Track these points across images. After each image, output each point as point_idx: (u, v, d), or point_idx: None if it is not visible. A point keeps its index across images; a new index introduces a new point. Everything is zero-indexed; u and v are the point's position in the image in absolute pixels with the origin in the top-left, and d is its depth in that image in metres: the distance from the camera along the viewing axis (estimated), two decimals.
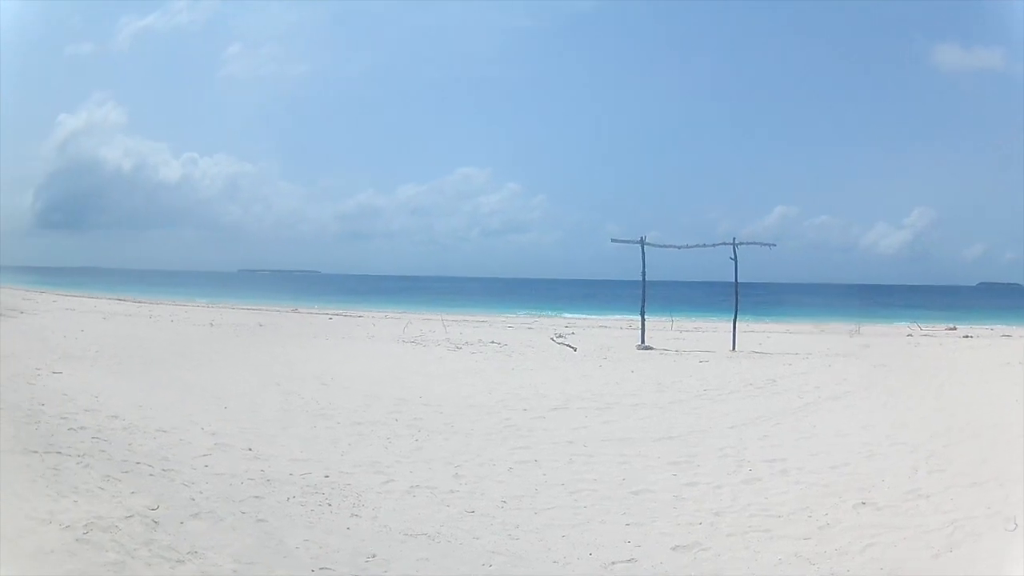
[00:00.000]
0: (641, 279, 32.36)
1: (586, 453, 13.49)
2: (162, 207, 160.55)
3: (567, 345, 30.09)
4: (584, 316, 54.69)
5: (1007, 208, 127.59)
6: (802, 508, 10.22)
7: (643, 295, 32.22)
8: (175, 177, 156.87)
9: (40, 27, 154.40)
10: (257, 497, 10.86)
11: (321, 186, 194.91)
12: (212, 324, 39.69)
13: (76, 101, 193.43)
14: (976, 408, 16.61)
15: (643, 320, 31.93)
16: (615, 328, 39.96)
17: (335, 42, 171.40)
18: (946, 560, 8.59)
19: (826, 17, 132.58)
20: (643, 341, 30.62)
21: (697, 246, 32.16)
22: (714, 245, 31.89)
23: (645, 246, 32.05)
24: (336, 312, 54.09)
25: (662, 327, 36.67)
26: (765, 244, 32.31)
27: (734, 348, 29.17)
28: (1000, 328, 43.45)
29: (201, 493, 10.82)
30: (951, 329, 41.79)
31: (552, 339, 32.66)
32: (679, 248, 32.43)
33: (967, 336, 37.17)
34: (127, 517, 9.31)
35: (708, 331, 38.33)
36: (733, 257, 31.19)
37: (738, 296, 31.64)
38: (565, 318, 52.17)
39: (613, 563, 8.74)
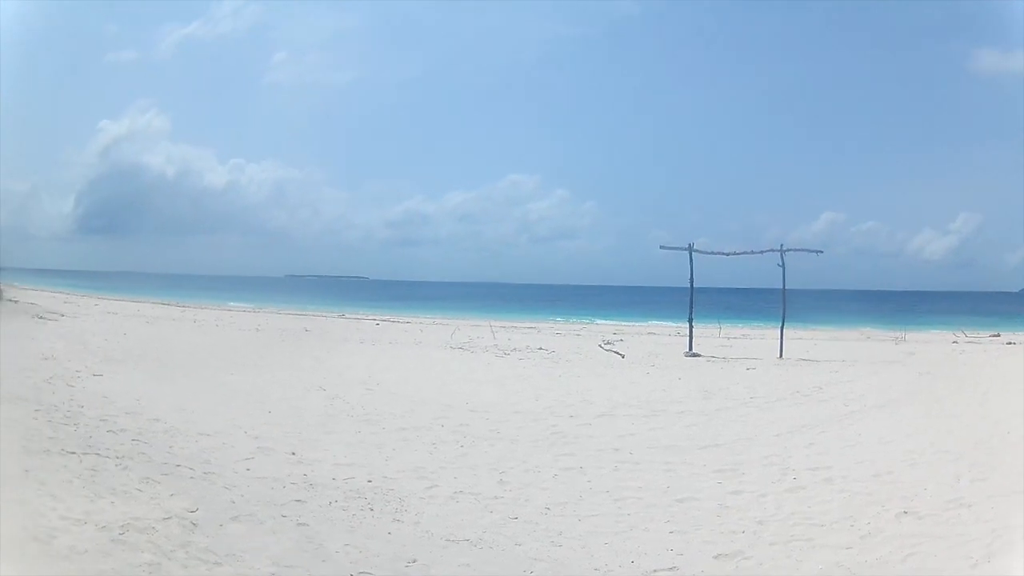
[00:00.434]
0: (689, 286, 32.32)
1: (632, 460, 13.45)
2: (207, 212, 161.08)
3: (615, 352, 30.04)
4: (632, 323, 54.42)
5: None
6: (845, 517, 10.14)
7: (691, 302, 32.33)
8: (221, 183, 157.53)
9: (79, 36, 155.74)
10: (299, 501, 10.89)
11: (368, 192, 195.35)
12: (257, 329, 39.72)
13: (118, 108, 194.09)
14: (1020, 416, 16.38)
15: (691, 327, 31.99)
16: (663, 335, 39.93)
17: (380, 50, 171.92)
18: (984, 570, 8.51)
19: (871, 22, 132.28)
20: (691, 348, 30.44)
21: (745, 253, 32.28)
22: (762, 252, 31.84)
23: (693, 253, 32.05)
24: (383, 318, 54.09)
25: (710, 334, 36.56)
26: (812, 251, 32.36)
27: (781, 355, 28.94)
28: None
29: (242, 496, 10.86)
30: (995, 336, 41.46)
31: (600, 346, 32.67)
32: (727, 255, 32.54)
33: (1011, 343, 36.88)
34: (165, 519, 9.39)
35: (755, 338, 38.16)
36: (781, 264, 31.04)
37: (785, 303, 31.51)
38: (613, 325, 51.86)
39: (655, 571, 8.68)
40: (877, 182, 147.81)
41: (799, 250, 31.85)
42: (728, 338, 37.82)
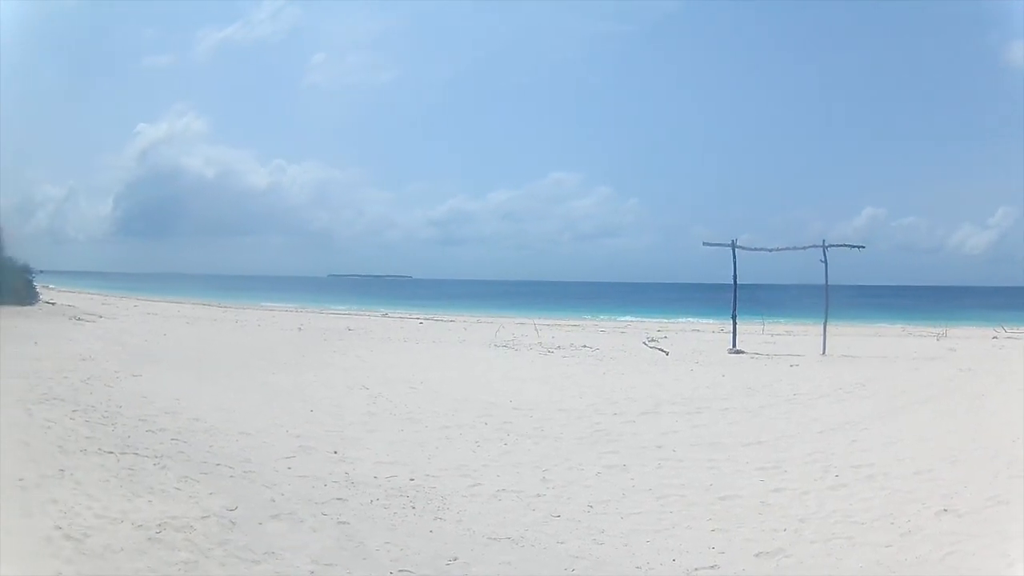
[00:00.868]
0: (733, 282, 32.35)
1: (675, 458, 13.43)
2: (249, 214, 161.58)
3: (659, 349, 30.14)
4: (676, 320, 54.49)
5: None
6: (885, 515, 10.11)
7: (734, 298, 32.26)
8: (262, 184, 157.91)
9: (115, 41, 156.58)
10: (340, 499, 10.93)
11: (411, 191, 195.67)
12: (300, 328, 39.83)
13: (155, 112, 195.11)
14: None
15: (735, 323, 31.94)
16: (707, 332, 40.04)
17: (420, 49, 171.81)
18: (1021, 568, 8.47)
19: (911, 16, 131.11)
20: (734, 345, 30.61)
21: (788, 249, 32.07)
22: (804, 248, 31.73)
23: (736, 249, 32.05)
24: (427, 316, 54.25)
25: (753, 330, 36.53)
26: (854, 246, 32.04)
27: (824, 352, 28.86)
28: None
29: (282, 495, 10.92)
30: None
31: (644, 343, 32.73)
32: (770, 251, 32.33)
33: None
34: (203, 517, 9.50)
35: (798, 334, 38.15)
36: (823, 260, 30.95)
37: (828, 299, 31.44)
38: (657, 322, 51.85)
39: (696, 569, 8.67)
40: (917, 177, 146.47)
41: (841, 246, 31.71)
42: (771, 335, 38.01)
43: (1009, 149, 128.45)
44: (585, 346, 31.92)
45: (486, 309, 67.23)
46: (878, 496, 10.90)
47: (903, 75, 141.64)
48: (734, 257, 32.06)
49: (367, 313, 58.99)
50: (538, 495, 11.46)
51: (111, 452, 12.43)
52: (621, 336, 38.19)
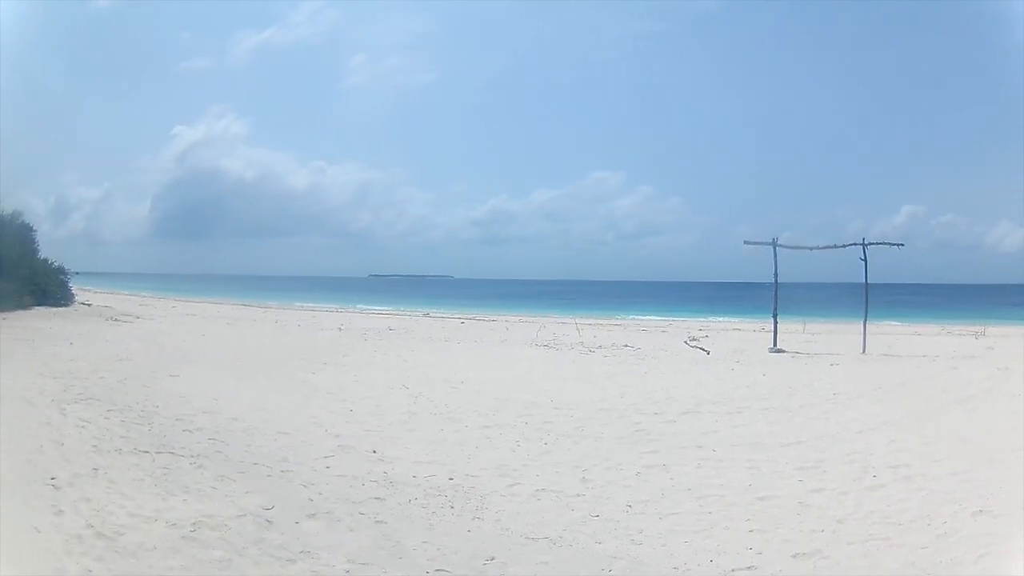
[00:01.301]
0: (773, 281, 32.29)
1: (715, 458, 13.42)
2: (289, 215, 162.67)
3: (700, 348, 30.16)
4: (718, 319, 54.39)
5: None
6: (922, 516, 10.09)
7: (775, 297, 32.26)
8: (303, 185, 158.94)
9: (151, 45, 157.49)
10: (378, 499, 10.98)
11: (453, 192, 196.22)
12: (340, 328, 39.87)
13: (193, 114, 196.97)
14: None
15: (775, 322, 31.86)
16: (748, 331, 39.98)
17: (459, 50, 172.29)
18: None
19: (950, 15, 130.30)
20: (775, 344, 30.56)
21: (828, 247, 32.02)
22: (844, 246, 31.70)
23: (777, 248, 31.98)
24: (469, 316, 54.37)
25: (794, 329, 36.42)
26: (894, 244, 32.01)
27: (864, 351, 28.83)
28: None
29: (320, 494, 11.00)
30: None
31: (686, 342, 32.77)
32: (810, 249, 32.25)
33: None
34: (239, 516, 9.60)
35: (839, 333, 37.84)
36: (863, 258, 30.93)
37: (868, 298, 31.33)
38: (699, 321, 51.75)
39: (733, 570, 8.67)
40: (955, 174, 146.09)
41: (881, 244, 31.69)
42: (812, 333, 37.81)
43: None
44: (627, 345, 31.93)
45: (528, 309, 67.53)
46: (915, 497, 10.86)
47: (942, 73, 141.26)
48: (775, 256, 31.98)
49: (408, 313, 59.19)
50: (577, 495, 11.44)
51: (146, 451, 12.60)
52: (663, 335, 38.23)
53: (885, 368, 24.41)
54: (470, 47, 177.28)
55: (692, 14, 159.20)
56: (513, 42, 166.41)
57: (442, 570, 8.48)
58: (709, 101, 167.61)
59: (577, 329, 39.12)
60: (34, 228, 45.96)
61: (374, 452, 13.68)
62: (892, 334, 36.55)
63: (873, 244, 31.27)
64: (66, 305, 43.36)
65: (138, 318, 42.05)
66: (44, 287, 42.44)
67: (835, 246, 31.96)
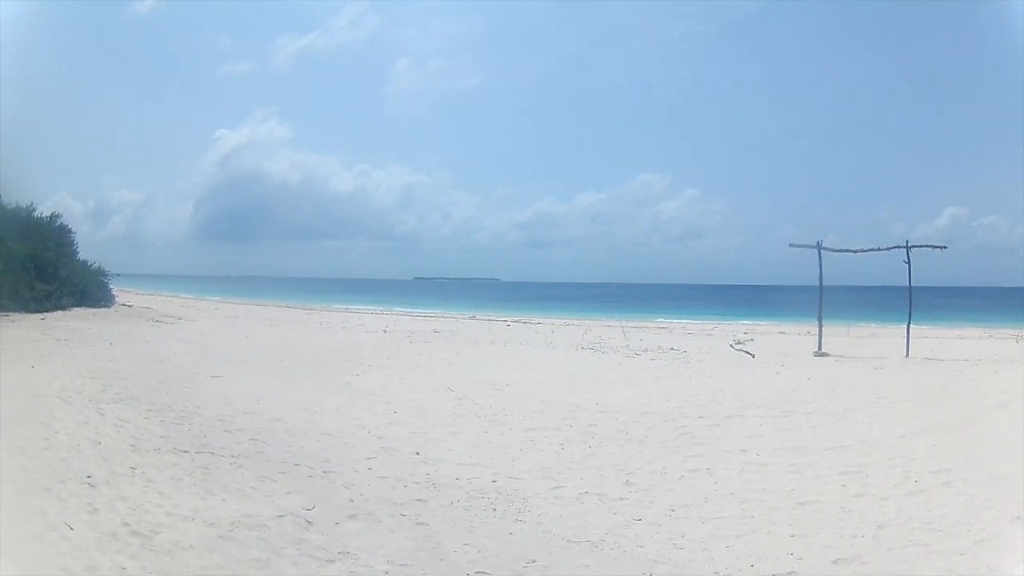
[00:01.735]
0: (818, 284, 32.24)
1: (758, 462, 13.45)
2: (334, 218, 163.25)
3: (746, 351, 30.23)
4: (763, 322, 54.07)
5: None
6: (962, 522, 10.06)
7: (820, 300, 32.35)
8: (347, 188, 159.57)
9: (191, 50, 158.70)
10: (420, 500, 11.07)
11: (498, 195, 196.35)
12: (385, 331, 39.96)
13: (235, 118, 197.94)
14: None
15: (820, 326, 31.89)
16: (793, 334, 39.86)
17: (502, 53, 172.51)
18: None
19: (995, 13, 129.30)
20: (820, 347, 30.42)
21: (872, 250, 31.98)
22: (887, 248, 31.57)
23: (822, 250, 31.93)
24: (515, 319, 54.20)
25: (838, 333, 36.17)
26: (936, 247, 31.86)
27: (907, 354, 28.73)
28: None
29: (361, 495, 11.08)
30: None
31: (731, 345, 32.88)
32: (855, 252, 32.23)
33: None
34: (278, 516, 9.72)
35: (882, 336, 37.67)
36: (907, 261, 30.84)
37: (912, 301, 31.21)
38: (744, 324, 51.64)
39: (773, 575, 8.67)
40: (998, 175, 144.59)
41: (923, 246, 31.54)
42: (856, 337, 37.55)
43: None
44: (672, 349, 31.99)
45: (573, 311, 67.49)
46: (955, 502, 10.82)
47: (985, 73, 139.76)
48: (819, 259, 31.95)
49: (454, 315, 59.14)
50: (620, 498, 11.46)
51: (186, 451, 12.78)
52: (708, 338, 38.18)
53: (927, 372, 24.34)
54: (513, 50, 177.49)
55: (733, 14, 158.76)
56: (556, 44, 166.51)
57: (482, 572, 8.54)
58: (753, 102, 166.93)
59: (623, 332, 39.18)
60: (73, 230, 46.27)
61: (417, 454, 13.76)
62: (934, 338, 36.29)
63: (916, 247, 31.19)
64: (106, 306, 43.73)
65: (180, 319, 42.46)
66: (83, 288, 42.74)
67: (878, 249, 31.90)
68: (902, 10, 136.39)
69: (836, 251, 32.39)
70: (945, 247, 31.86)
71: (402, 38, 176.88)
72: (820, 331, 31.79)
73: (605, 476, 12.62)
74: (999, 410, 17.56)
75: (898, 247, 31.27)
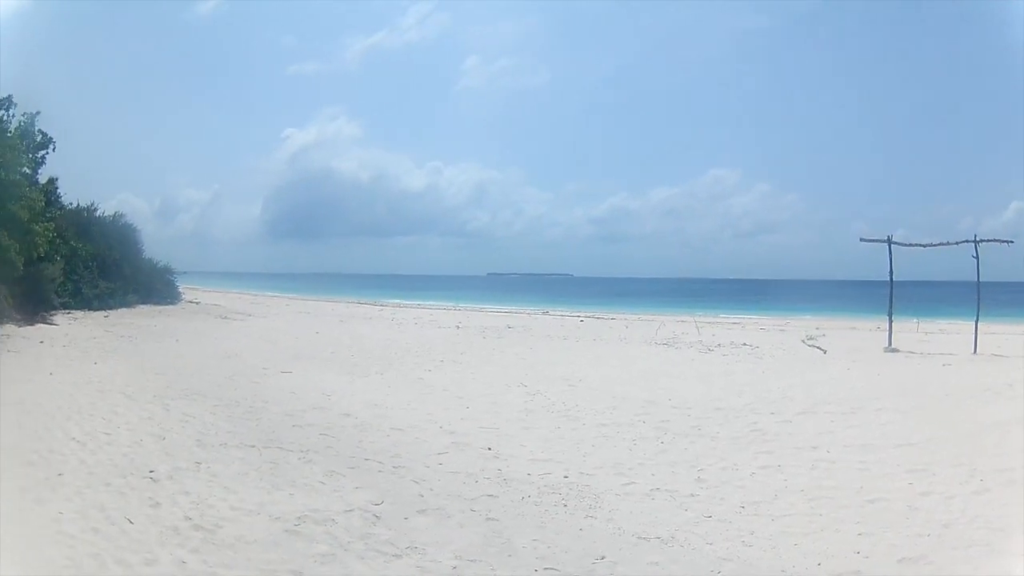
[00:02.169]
0: (889, 279, 32.20)
1: (828, 459, 13.44)
2: (406, 214, 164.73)
3: (817, 347, 30.26)
4: (834, 317, 53.77)
5: None
6: None
7: (890, 296, 32.18)
8: (419, 186, 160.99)
9: (256, 50, 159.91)
10: (490, 496, 11.20)
11: (571, 190, 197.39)
12: (458, 326, 40.16)
13: (304, 117, 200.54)
14: None
15: (890, 321, 31.76)
16: (863, 330, 39.59)
17: (571, 51, 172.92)
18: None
19: None
20: (890, 343, 30.42)
21: (941, 244, 31.94)
22: (957, 243, 31.39)
23: (892, 245, 31.88)
24: (588, 314, 54.38)
25: (907, 329, 35.92)
26: (1004, 241, 31.63)
27: (975, 351, 28.50)
28: None
29: (431, 490, 11.24)
30: None
31: (803, 341, 32.86)
32: (924, 247, 32.10)
33: None
34: (346, 511, 9.92)
35: (950, 332, 37.73)
36: (975, 255, 30.56)
37: (980, 296, 31.04)
38: (816, 319, 51.41)
39: (839, 574, 8.68)
40: None
41: (991, 241, 31.23)
42: (925, 332, 37.53)
43: None
44: (745, 344, 32.14)
45: (646, 307, 67.28)
46: (1018, 502, 10.73)
47: None
48: (890, 253, 31.98)
49: (527, 311, 59.45)
50: (692, 495, 11.52)
51: (253, 446, 13.02)
52: (780, 334, 38.22)
53: (995, 368, 24.10)
54: (582, 47, 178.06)
55: (799, 8, 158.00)
56: (625, 40, 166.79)
57: (551, 568, 8.63)
58: (821, 96, 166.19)
59: (696, 328, 39.38)
60: (138, 229, 46.84)
61: (489, 449, 13.92)
62: (1002, 333, 35.80)
63: (984, 241, 30.86)
64: (173, 303, 44.49)
65: (249, 316, 43.18)
66: (149, 286, 43.30)
67: (947, 243, 31.80)
68: (968, 4, 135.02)
69: (906, 245, 32.39)
70: (1012, 241, 31.66)
71: (470, 36, 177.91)
72: (890, 327, 31.69)
73: (677, 472, 12.72)
74: None
75: (966, 241, 31.02)
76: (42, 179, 38.31)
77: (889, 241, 31.98)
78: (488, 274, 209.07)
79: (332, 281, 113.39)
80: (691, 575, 8.73)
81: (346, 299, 72.06)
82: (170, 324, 35.93)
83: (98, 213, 43.91)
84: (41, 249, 32.59)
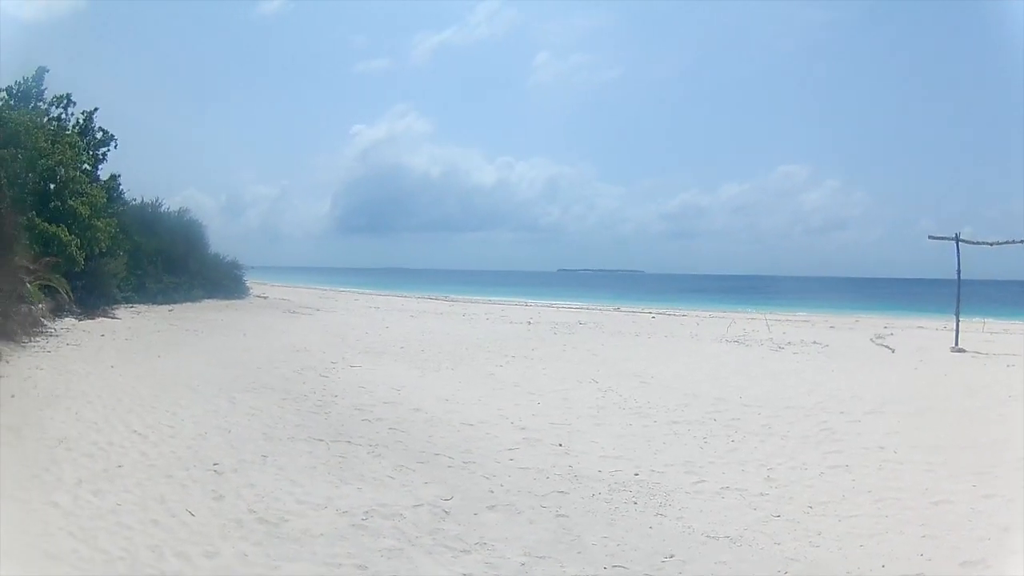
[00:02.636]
0: (956, 277, 32.07)
1: (895, 460, 13.44)
2: (477, 210, 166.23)
3: (885, 346, 30.31)
4: (901, 316, 53.63)
5: None
6: None
7: (958, 295, 32.00)
8: (490, 181, 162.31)
9: (324, 48, 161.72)
10: (561, 492, 11.37)
11: (643, 186, 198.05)
12: (529, 322, 40.33)
13: (373, 113, 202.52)
14: None
15: (957, 321, 31.62)
16: (930, 329, 39.34)
17: (640, 46, 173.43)
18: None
19: None
20: (956, 343, 30.31)
21: (1008, 243, 31.64)
22: (1023, 241, 31.18)
23: (959, 243, 31.72)
24: (659, 311, 54.40)
25: (973, 328, 35.63)
26: None
27: None
28: None
29: (502, 486, 11.42)
30: None
31: (872, 340, 32.89)
32: (991, 245, 31.96)
33: None
34: (415, 506, 10.12)
35: (1016, 333, 37.54)
36: None
37: None
38: (883, 318, 51.07)
39: None
40: None
41: None
42: (990, 332, 37.32)
43: None
44: (815, 342, 32.15)
45: (717, 303, 67.80)
46: None
47: None
48: (957, 251, 31.83)
49: (598, 307, 59.75)
50: (761, 494, 11.60)
51: (321, 440, 13.28)
52: (850, 332, 38.06)
53: None
54: (653, 41, 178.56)
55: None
56: (694, 35, 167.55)
57: (620, 566, 8.72)
58: (888, 90, 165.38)
59: (767, 325, 39.39)
60: (203, 224, 47.48)
61: (560, 445, 14.09)
62: None
63: None
64: (240, 298, 45.44)
65: (318, 310, 43.53)
66: (215, 280, 43.92)
67: (1014, 241, 31.61)
68: None
69: (973, 243, 32.21)
70: None
71: (540, 32, 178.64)
72: (957, 326, 31.60)
73: (746, 471, 12.83)
74: None
75: None
76: (104, 175, 39.03)
77: (957, 239, 31.84)
78: (558, 270, 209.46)
79: (401, 276, 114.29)
80: (757, 574, 8.81)
81: (415, 294, 72.59)
82: (237, 318, 36.52)
83: (163, 209, 44.60)
84: (103, 244, 33.21)
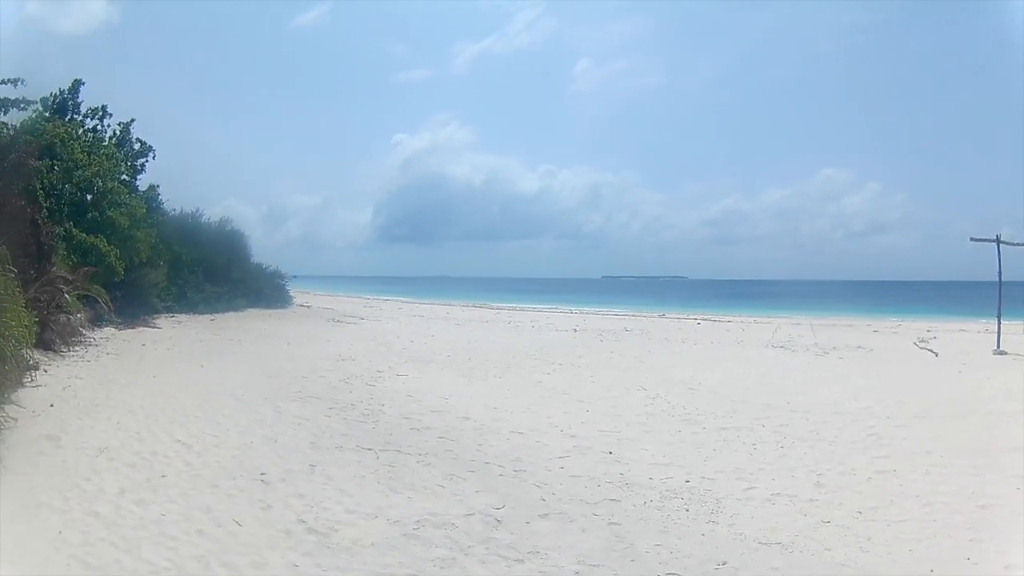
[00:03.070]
0: (997, 279, 32.02)
1: (942, 464, 13.39)
2: (520, 218, 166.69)
3: (929, 350, 30.20)
4: (943, 319, 53.30)
5: None
6: None
7: (999, 297, 31.91)
8: (533, 189, 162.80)
9: (364, 59, 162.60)
10: (613, 500, 11.40)
11: (685, 192, 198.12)
12: (575, 329, 40.21)
13: (414, 123, 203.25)
14: None
15: (999, 324, 31.48)
16: (972, 331, 39.35)
17: (680, 52, 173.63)
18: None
19: None
20: (998, 346, 30.25)
21: None
22: None
23: (1001, 245, 31.67)
24: (704, 317, 54.46)
25: (1015, 330, 35.00)
26: None
27: None
28: None
29: (553, 494, 11.47)
30: None
31: (915, 343, 32.78)
32: None
33: None
34: (467, 515, 10.20)
35: None
36: None
37: None
38: (926, 321, 50.88)
39: None
40: None
41: None
42: None
43: None
44: (859, 347, 32.13)
45: (761, 309, 67.72)
46: None
47: None
48: (998, 253, 31.85)
49: (643, 314, 59.39)
50: (811, 499, 11.60)
51: (369, 449, 13.36)
52: (893, 336, 38.01)
53: None
54: (692, 46, 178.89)
55: (904, 2, 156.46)
56: (733, 40, 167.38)
57: (673, 573, 8.78)
58: (926, 93, 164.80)
59: (811, 330, 39.45)
60: (245, 233, 47.83)
61: (610, 453, 14.14)
62: None
63: None
64: (283, 307, 45.57)
65: (362, 319, 43.57)
66: (258, 290, 44.18)
67: None
68: None
69: (1015, 244, 32.17)
70: None
71: (580, 40, 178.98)
72: (999, 329, 31.50)
73: (796, 477, 12.83)
74: None
75: None
76: (143, 186, 39.43)
77: (998, 240, 31.80)
78: (602, 277, 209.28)
79: (445, 285, 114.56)
80: None
81: (460, 302, 72.58)
82: (280, 327, 36.61)
83: (203, 219, 44.96)
84: (143, 255, 33.52)
